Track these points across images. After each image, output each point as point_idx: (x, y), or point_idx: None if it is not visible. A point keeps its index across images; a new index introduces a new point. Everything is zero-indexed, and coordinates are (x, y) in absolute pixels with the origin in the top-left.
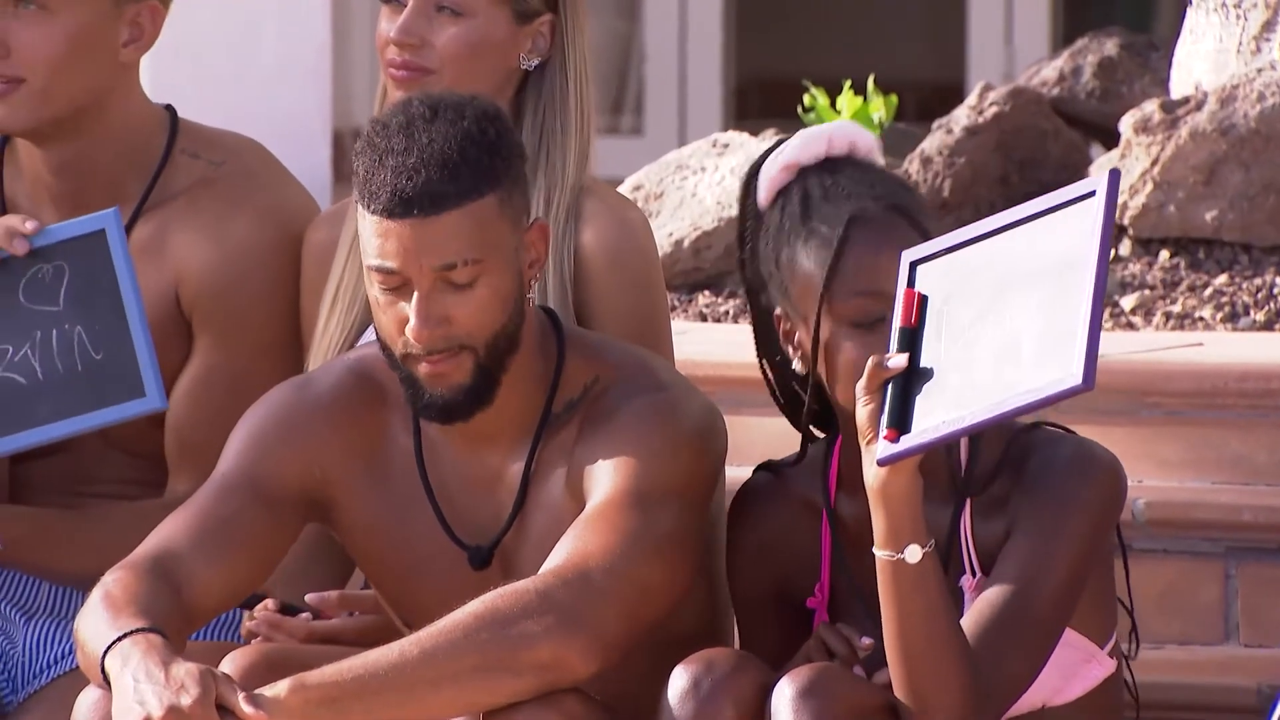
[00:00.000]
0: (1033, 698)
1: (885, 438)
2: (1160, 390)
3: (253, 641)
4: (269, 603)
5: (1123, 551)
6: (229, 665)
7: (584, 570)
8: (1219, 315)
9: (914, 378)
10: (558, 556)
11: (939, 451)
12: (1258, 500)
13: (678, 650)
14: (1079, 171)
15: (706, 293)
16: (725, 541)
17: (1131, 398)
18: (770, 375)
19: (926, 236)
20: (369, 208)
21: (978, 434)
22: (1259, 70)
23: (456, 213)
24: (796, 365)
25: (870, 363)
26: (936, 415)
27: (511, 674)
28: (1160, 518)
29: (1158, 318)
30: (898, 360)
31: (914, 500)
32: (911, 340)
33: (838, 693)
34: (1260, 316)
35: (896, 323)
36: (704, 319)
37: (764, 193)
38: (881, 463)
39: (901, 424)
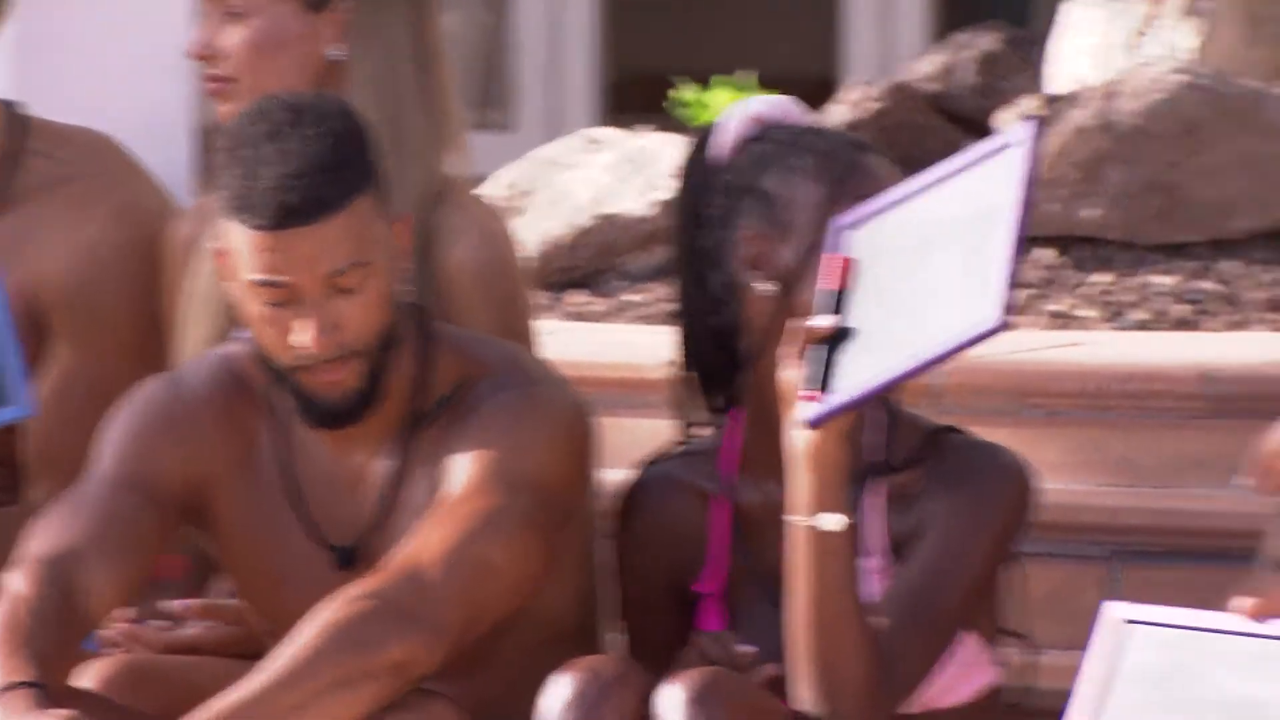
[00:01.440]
0: (923, 694)
1: (807, 398)
2: (1042, 391)
3: (112, 652)
4: (127, 611)
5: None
6: (91, 677)
7: (415, 564)
8: (1100, 314)
9: (840, 341)
10: (395, 553)
11: (856, 429)
12: (1142, 503)
13: (550, 651)
14: None
15: (578, 292)
16: (611, 540)
17: (1013, 398)
18: (688, 337)
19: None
20: (248, 223)
21: (895, 420)
22: (1141, 65)
23: (342, 215)
24: (767, 286)
25: (794, 326)
26: (860, 374)
27: (371, 679)
28: (1044, 520)
29: (1036, 316)
30: (822, 321)
31: (840, 468)
32: (836, 303)
33: (735, 698)
34: (1141, 316)
35: (821, 286)
36: (578, 318)
37: (729, 142)
38: (810, 425)
39: (825, 385)
